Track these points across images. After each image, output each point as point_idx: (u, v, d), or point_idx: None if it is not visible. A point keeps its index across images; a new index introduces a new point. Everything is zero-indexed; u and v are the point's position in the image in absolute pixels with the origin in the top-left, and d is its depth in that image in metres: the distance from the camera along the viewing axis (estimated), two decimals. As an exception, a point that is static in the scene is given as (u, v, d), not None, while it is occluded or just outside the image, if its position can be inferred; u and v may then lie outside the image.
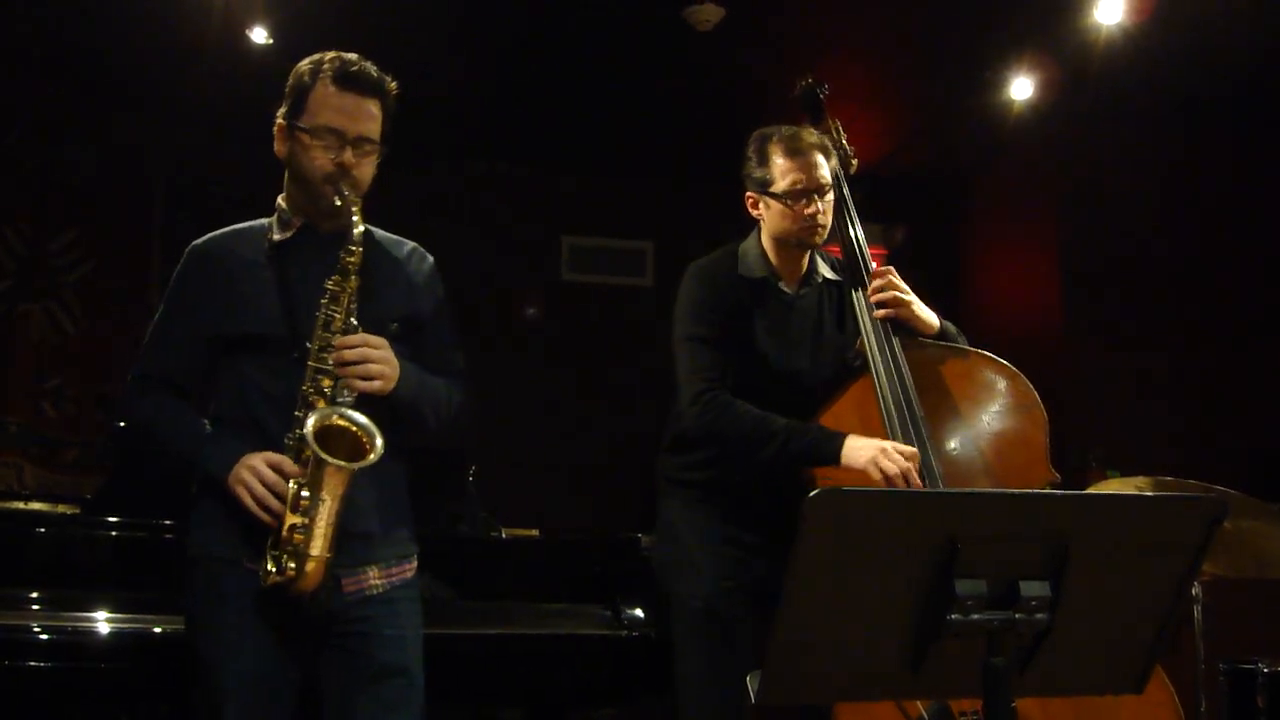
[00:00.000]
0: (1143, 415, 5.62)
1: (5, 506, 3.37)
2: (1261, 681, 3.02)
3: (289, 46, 5.00)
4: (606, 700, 3.23)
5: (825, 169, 2.65)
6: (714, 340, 2.65)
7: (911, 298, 2.69)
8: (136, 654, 2.75)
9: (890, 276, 2.69)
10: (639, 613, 3.22)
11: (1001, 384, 2.63)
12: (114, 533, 2.97)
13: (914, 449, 2.43)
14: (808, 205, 2.63)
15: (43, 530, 2.97)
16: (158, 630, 2.75)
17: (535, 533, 3.81)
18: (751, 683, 1.58)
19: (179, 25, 4.81)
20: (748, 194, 2.74)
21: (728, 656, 2.54)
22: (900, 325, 2.67)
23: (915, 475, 2.39)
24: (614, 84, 5.66)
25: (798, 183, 2.64)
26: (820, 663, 1.56)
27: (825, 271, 2.80)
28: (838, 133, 2.90)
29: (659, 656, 3.13)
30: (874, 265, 2.75)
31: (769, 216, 2.71)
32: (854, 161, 2.88)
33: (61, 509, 3.22)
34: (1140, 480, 2.97)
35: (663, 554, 2.77)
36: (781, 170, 2.65)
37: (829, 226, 2.69)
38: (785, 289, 2.73)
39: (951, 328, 2.78)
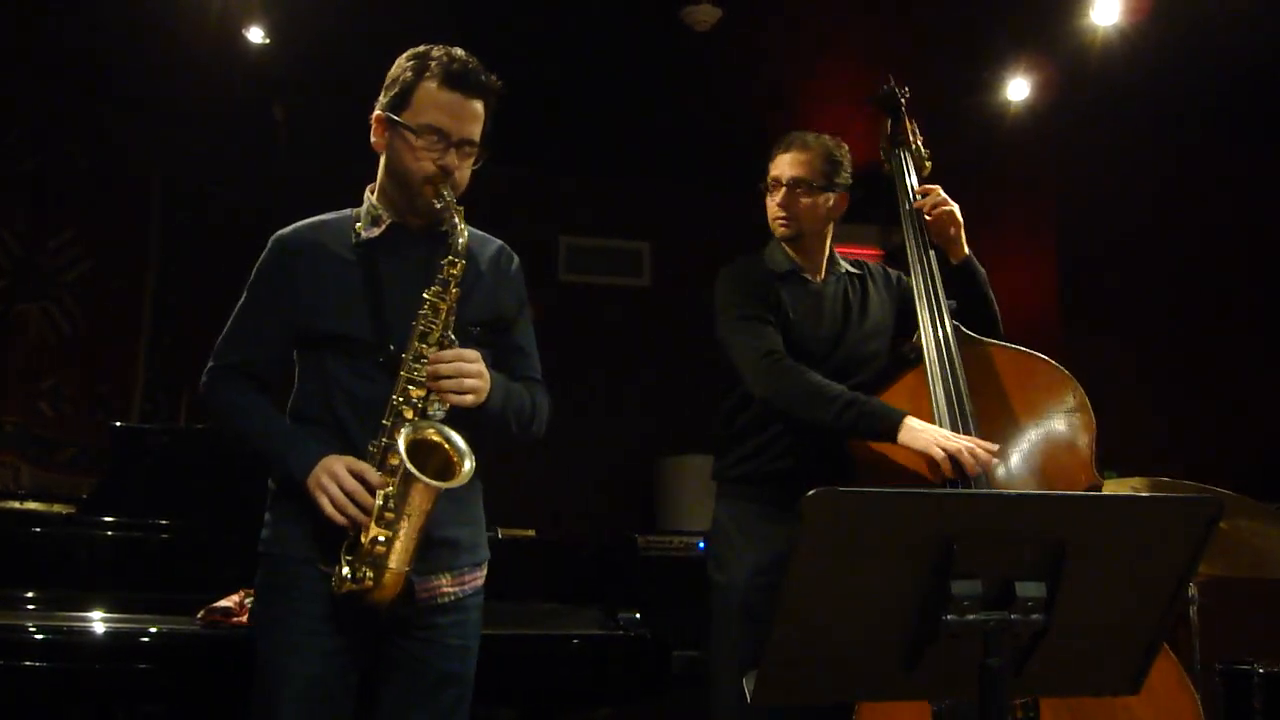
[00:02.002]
0: (1139, 416, 5.61)
1: (1, 506, 3.37)
2: (1257, 682, 3.03)
3: (286, 46, 5.01)
4: (602, 701, 3.23)
5: (796, 166, 2.79)
6: (763, 319, 2.72)
7: (959, 219, 2.79)
8: (132, 654, 2.74)
9: (943, 193, 2.80)
10: (635, 614, 3.22)
11: (1055, 386, 2.62)
12: (110, 533, 2.97)
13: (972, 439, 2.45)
14: (774, 195, 2.82)
15: (39, 530, 2.97)
16: (154, 630, 2.74)
17: (531, 533, 3.80)
18: (747, 683, 1.58)
19: (175, 25, 4.79)
20: None
21: (758, 652, 2.55)
22: (940, 236, 2.78)
23: (971, 454, 2.38)
24: (611, 84, 5.66)
25: (771, 176, 2.83)
26: (816, 662, 1.57)
27: (848, 265, 2.92)
28: (914, 135, 2.98)
29: (655, 657, 3.14)
30: (941, 288, 2.74)
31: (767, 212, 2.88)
32: (928, 164, 2.95)
33: (58, 509, 3.22)
34: (1136, 481, 2.98)
35: (708, 547, 2.87)
36: (771, 166, 2.86)
37: (794, 221, 2.80)
38: (811, 279, 2.84)
39: (980, 268, 2.84)
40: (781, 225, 2.81)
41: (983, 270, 2.85)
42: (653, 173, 6.60)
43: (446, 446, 2.07)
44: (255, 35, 4.92)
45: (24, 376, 5.43)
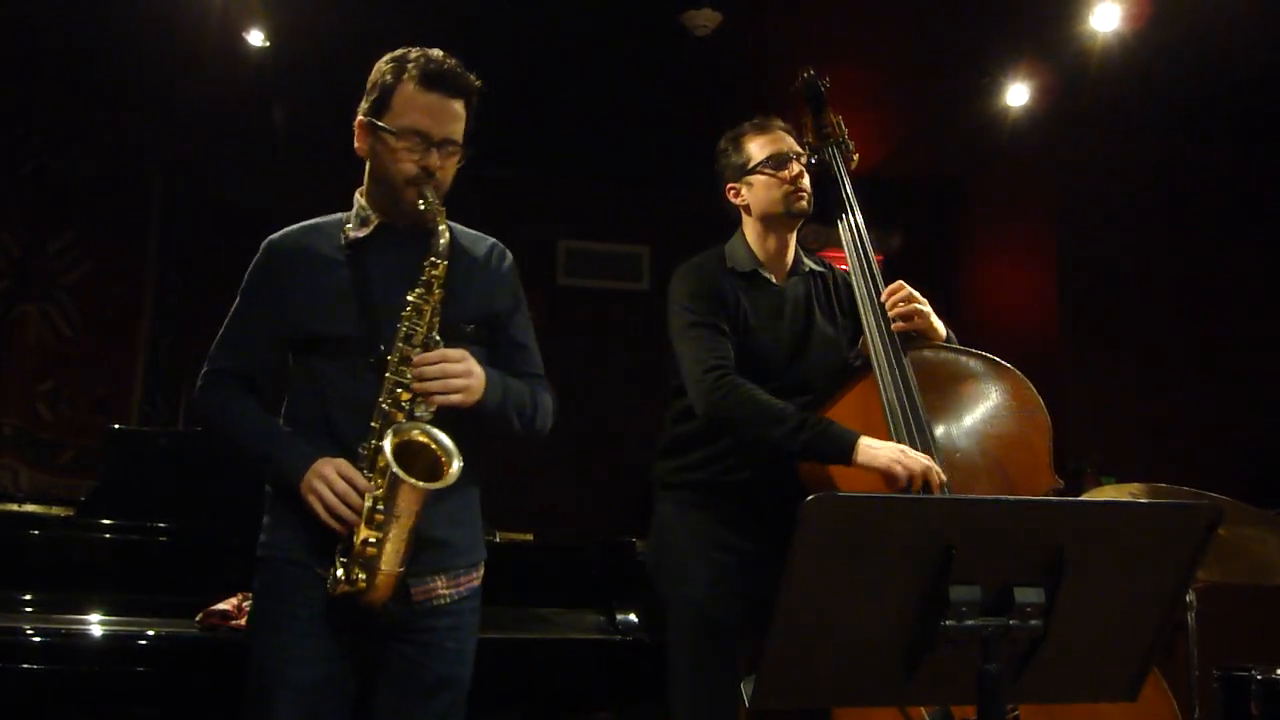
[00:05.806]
0: (1138, 421, 5.62)
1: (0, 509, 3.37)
2: (1255, 688, 3.02)
3: (285, 49, 5.01)
4: (601, 705, 3.22)
5: (790, 141, 2.74)
6: (716, 327, 2.63)
7: (927, 308, 2.68)
8: (130, 657, 2.74)
9: (907, 289, 2.67)
10: (633, 617, 3.22)
11: (1005, 387, 2.58)
12: (108, 535, 2.96)
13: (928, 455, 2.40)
14: (790, 168, 2.70)
15: (37, 533, 2.97)
16: (151, 633, 2.74)
17: (530, 536, 3.80)
18: (745, 688, 1.58)
19: (176, 28, 4.81)
20: (729, 187, 2.78)
21: (721, 662, 2.51)
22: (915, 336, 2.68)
23: (935, 475, 2.35)
24: (611, 88, 5.67)
25: (777, 151, 2.71)
26: (815, 668, 1.56)
27: (811, 263, 2.82)
28: (839, 127, 2.91)
29: (654, 661, 3.13)
30: (876, 260, 2.73)
31: (754, 196, 2.74)
32: (855, 156, 2.89)
33: (56, 511, 3.21)
34: (1135, 487, 2.97)
35: (656, 558, 2.74)
36: (759, 145, 2.73)
37: (811, 195, 2.71)
38: (773, 279, 2.74)
39: (953, 338, 2.76)
40: (805, 201, 2.69)
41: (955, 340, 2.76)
42: (652, 177, 6.60)
43: (434, 447, 2.06)
44: (255, 38, 4.93)
45: (23, 379, 5.43)
